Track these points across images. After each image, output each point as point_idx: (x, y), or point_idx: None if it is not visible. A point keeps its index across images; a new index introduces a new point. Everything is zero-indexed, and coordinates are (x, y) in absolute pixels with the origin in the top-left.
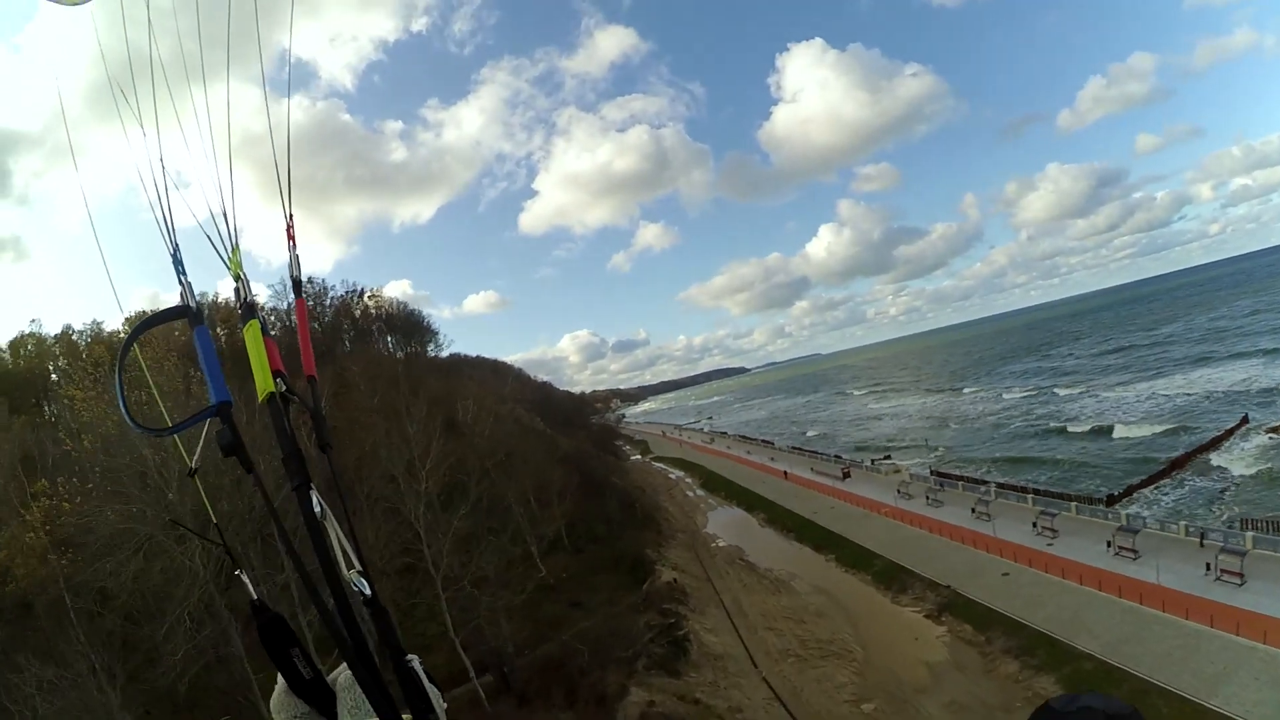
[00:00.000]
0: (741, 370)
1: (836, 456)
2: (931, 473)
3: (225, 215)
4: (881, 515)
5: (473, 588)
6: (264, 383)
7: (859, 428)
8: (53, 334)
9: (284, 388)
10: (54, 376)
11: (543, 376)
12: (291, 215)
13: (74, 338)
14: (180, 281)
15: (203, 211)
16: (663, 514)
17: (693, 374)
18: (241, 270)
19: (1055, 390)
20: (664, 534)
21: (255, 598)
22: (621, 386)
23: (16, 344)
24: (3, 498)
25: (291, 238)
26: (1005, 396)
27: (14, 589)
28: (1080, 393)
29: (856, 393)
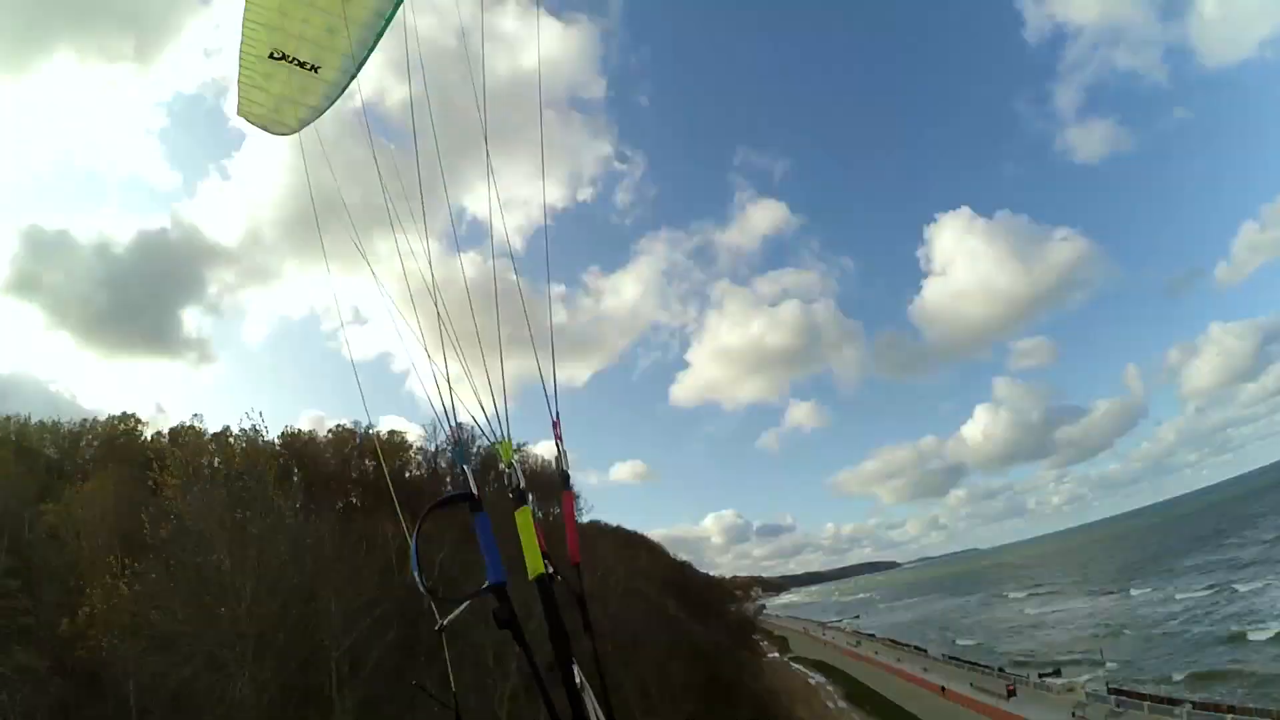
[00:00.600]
0: (892, 565)
1: (1000, 671)
2: (1110, 691)
3: (496, 409)
4: None
5: None
6: (534, 564)
7: (1019, 637)
8: (211, 431)
9: (551, 570)
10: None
11: (683, 556)
12: (558, 414)
13: (230, 439)
14: (463, 471)
15: (464, 397)
16: None
17: (840, 566)
18: (514, 459)
19: (1235, 586)
20: None
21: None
22: (764, 574)
23: (176, 432)
24: (100, 562)
25: (558, 435)
26: (1180, 596)
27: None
28: (1264, 586)
29: (1016, 595)
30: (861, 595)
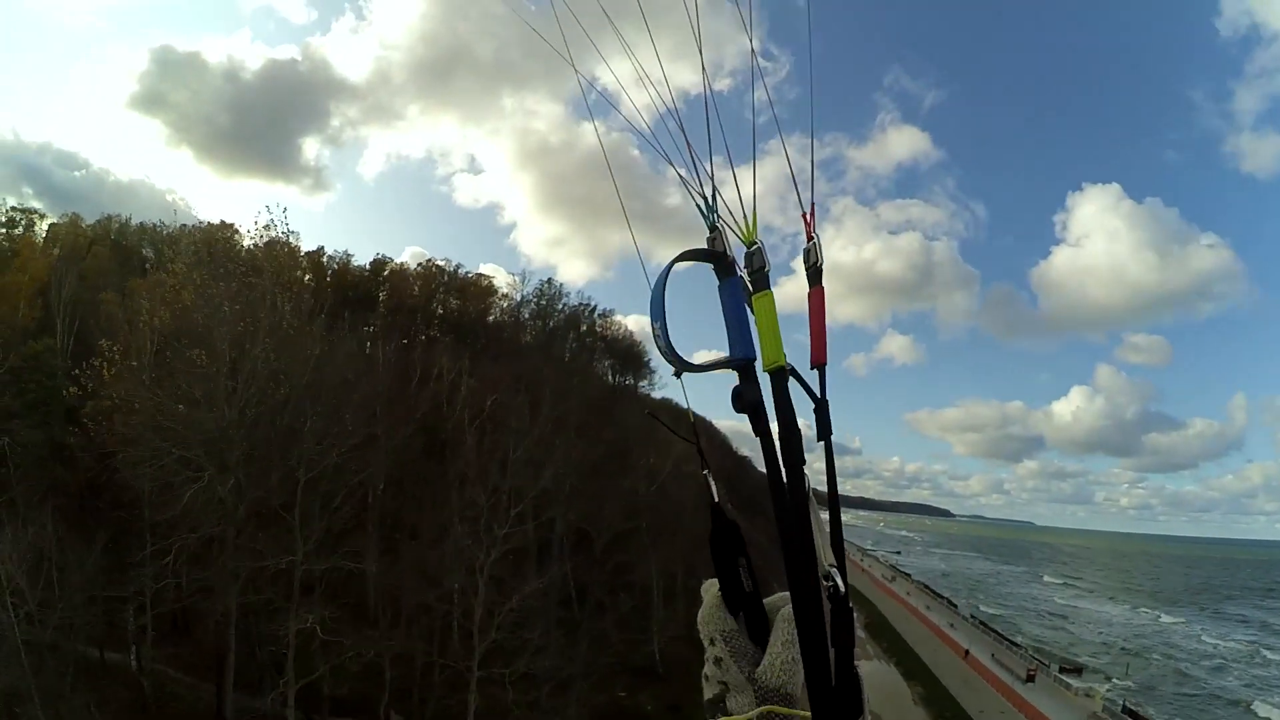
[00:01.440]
0: (946, 513)
1: (1032, 652)
2: (1124, 709)
3: (738, 186)
4: None
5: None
6: (773, 354)
7: (1047, 622)
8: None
9: (790, 365)
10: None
11: (745, 452)
12: (814, 204)
13: (323, 259)
14: (713, 228)
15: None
16: None
17: (895, 500)
18: (758, 238)
19: (1267, 650)
20: None
21: (716, 499)
22: (818, 488)
23: (272, 243)
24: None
25: (810, 230)
26: (1210, 640)
27: None
28: None
29: (1055, 580)
30: (909, 533)
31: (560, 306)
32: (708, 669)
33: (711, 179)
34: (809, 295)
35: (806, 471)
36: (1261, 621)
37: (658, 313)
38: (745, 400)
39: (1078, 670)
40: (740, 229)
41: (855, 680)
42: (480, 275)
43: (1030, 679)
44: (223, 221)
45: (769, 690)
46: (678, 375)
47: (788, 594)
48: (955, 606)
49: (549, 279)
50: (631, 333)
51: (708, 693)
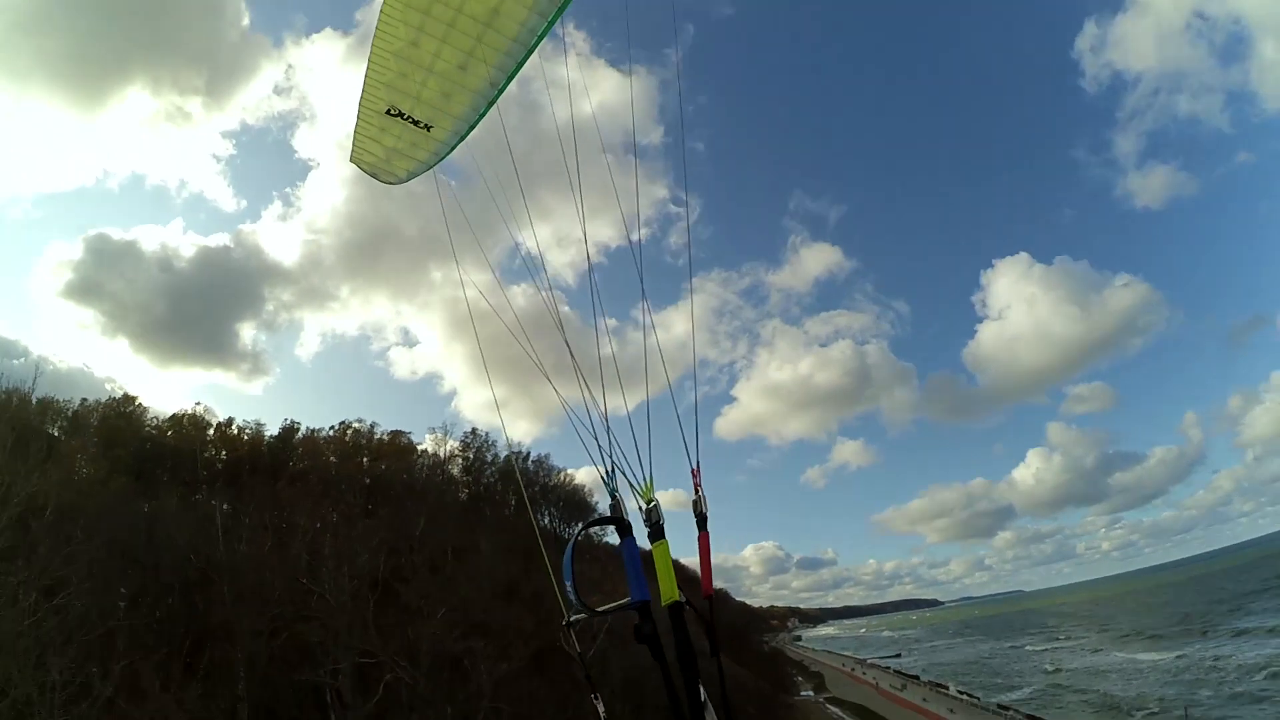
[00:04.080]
0: (934, 603)
1: None
2: None
3: (639, 454)
4: None
5: None
6: (669, 592)
7: (1084, 687)
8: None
9: (685, 599)
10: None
11: (720, 584)
12: (699, 463)
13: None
14: (614, 498)
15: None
16: None
17: (880, 601)
18: (653, 496)
19: None
20: None
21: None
22: (802, 605)
23: (177, 419)
24: None
25: (698, 484)
26: (1258, 650)
27: None
28: None
29: (1071, 640)
30: (904, 632)
31: (489, 459)
32: None
33: (611, 456)
34: (698, 539)
35: (701, 686)
36: (1262, 627)
37: (567, 573)
38: (642, 633)
39: None
40: (640, 488)
41: None
42: (398, 433)
43: None
44: (125, 395)
45: None
46: (574, 624)
47: None
48: (978, 699)
49: (473, 429)
50: (579, 485)
51: None
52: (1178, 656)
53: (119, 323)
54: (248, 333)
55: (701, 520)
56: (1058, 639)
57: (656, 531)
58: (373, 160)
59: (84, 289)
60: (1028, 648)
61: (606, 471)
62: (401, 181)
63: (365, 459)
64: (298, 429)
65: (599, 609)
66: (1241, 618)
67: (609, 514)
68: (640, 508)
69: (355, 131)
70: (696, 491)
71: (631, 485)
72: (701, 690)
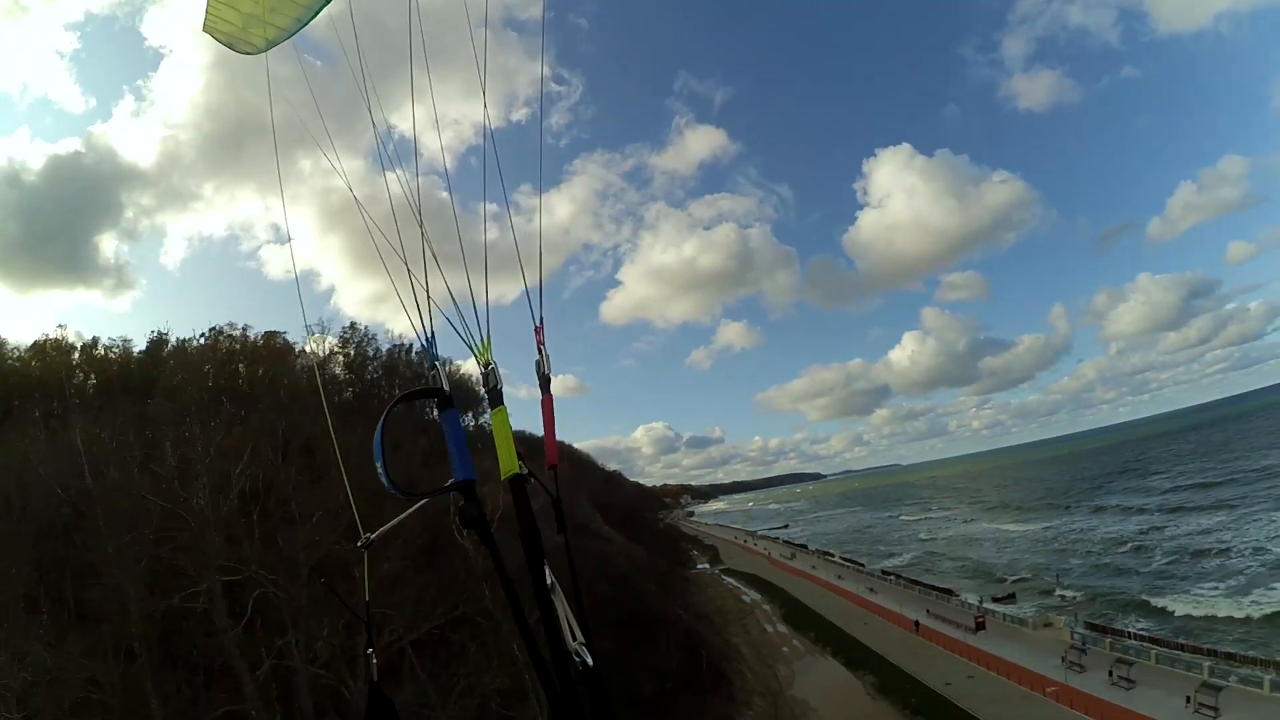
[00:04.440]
0: (817, 476)
1: (972, 603)
2: (1089, 627)
3: (475, 312)
4: (1051, 700)
5: None
6: (509, 464)
7: (959, 555)
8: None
9: (526, 470)
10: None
11: (613, 465)
12: (542, 320)
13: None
14: (434, 365)
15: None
16: (735, 662)
17: (767, 475)
18: (491, 359)
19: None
20: (736, 698)
21: (375, 679)
22: (693, 483)
23: (40, 345)
24: None
25: (540, 339)
26: (1111, 526)
27: None
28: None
29: (945, 511)
30: (791, 504)
31: (372, 354)
32: None
33: (430, 318)
34: (541, 403)
35: (546, 567)
36: (1147, 487)
37: (378, 453)
38: (466, 517)
39: (1010, 597)
40: (476, 348)
41: None
42: (272, 334)
43: (980, 627)
44: None
45: None
46: (363, 547)
47: None
48: (863, 566)
49: (352, 323)
50: (466, 375)
51: None
52: (1044, 528)
53: None
54: (108, 245)
55: (544, 382)
56: (931, 510)
57: (495, 397)
58: (229, 29)
59: None
60: (904, 518)
61: (425, 334)
62: (260, 51)
63: (241, 365)
64: (166, 341)
65: (418, 493)
66: (1102, 496)
67: (427, 385)
68: (479, 371)
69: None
70: (540, 350)
71: (468, 345)
72: (548, 572)
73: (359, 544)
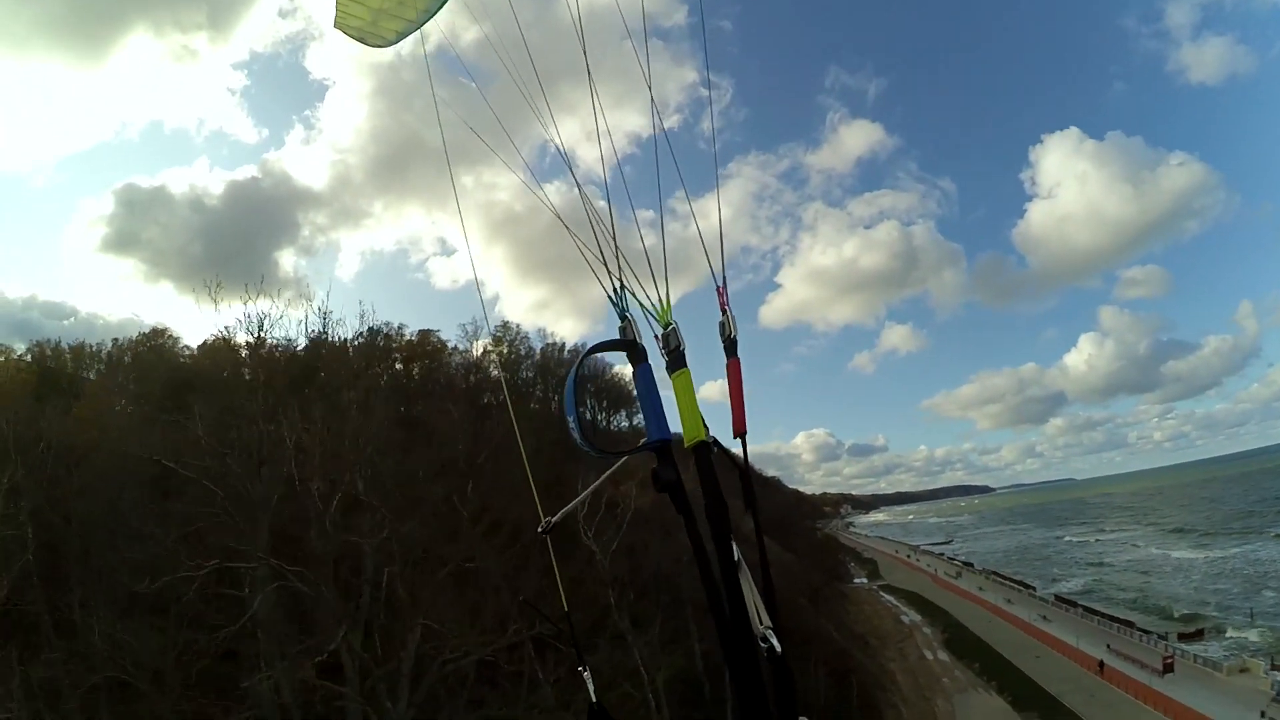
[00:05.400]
0: (985, 489)
1: (1159, 637)
2: None
3: (651, 271)
4: None
5: None
6: (694, 430)
7: (1137, 580)
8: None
9: (713, 439)
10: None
11: (772, 472)
12: (725, 279)
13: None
14: (624, 317)
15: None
16: (889, 693)
17: (931, 487)
18: (672, 320)
19: None
20: None
21: (595, 701)
22: (854, 492)
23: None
24: None
25: (724, 304)
26: None
27: None
28: None
29: (1122, 532)
30: (956, 518)
31: (524, 352)
32: None
33: (620, 271)
34: (727, 367)
35: (734, 542)
36: None
37: (570, 406)
38: (662, 481)
39: (1199, 634)
40: (657, 311)
41: None
42: (427, 333)
43: (1168, 669)
44: (154, 329)
45: None
46: (544, 533)
47: None
48: (1034, 590)
49: (504, 322)
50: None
51: None
52: (1231, 554)
53: (160, 268)
54: (287, 260)
55: (730, 345)
56: (1106, 530)
57: (676, 360)
58: (359, 24)
59: (120, 240)
60: (1075, 539)
61: (614, 287)
62: (390, 44)
63: (396, 362)
64: (326, 339)
65: (611, 451)
66: None
67: (620, 338)
68: (656, 335)
69: None
70: (724, 312)
71: (644, 308)
72: (735, 547)
73: (539, 529)
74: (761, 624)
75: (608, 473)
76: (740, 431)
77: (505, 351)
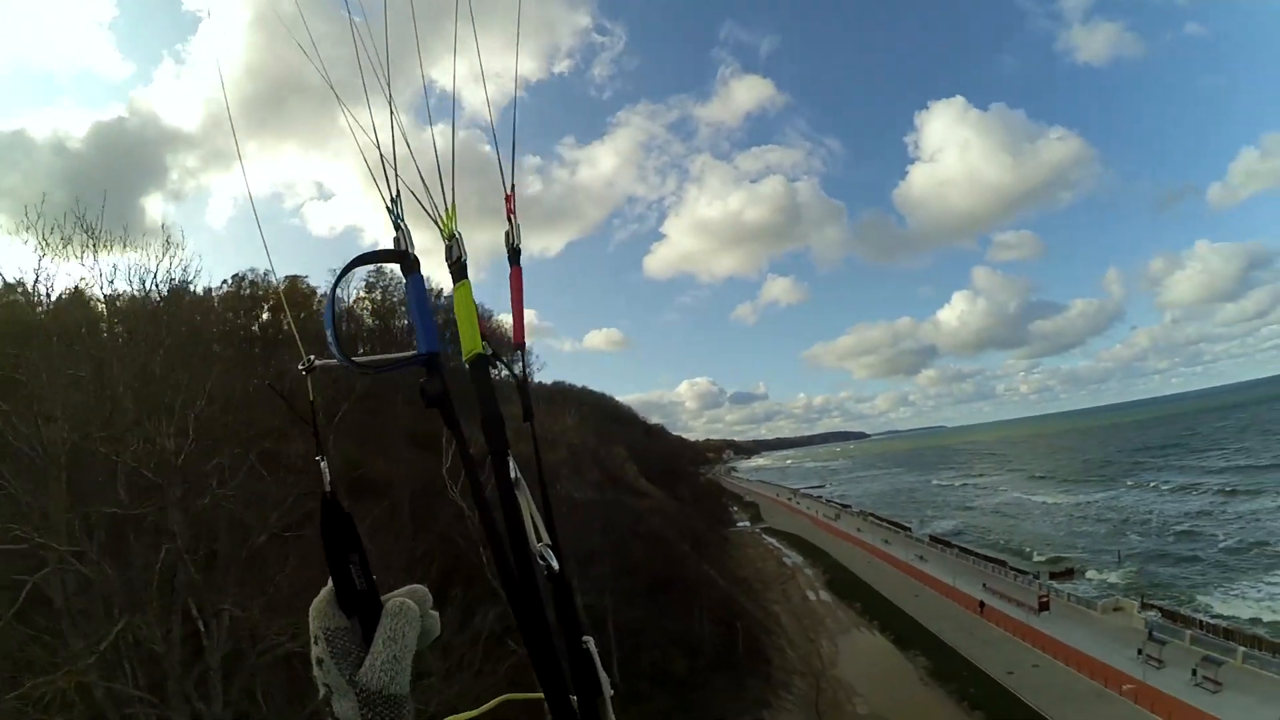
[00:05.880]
0: (861, 435)
1: (1033, 576)
2: (1161, 613)
3: (440, 175)
4: (1129, 700)
5: None
6: (471, 343)
7: (1006, 523)
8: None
9: (490, 351)
10: None
11: (656, 419)
12: (514, 186)
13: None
14: (397, 226)
15: (408, 176)
16: (775, 636)
17: (810, 433)
18: (456, 230)
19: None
20: (775, 679)
21: (329, 489)
22: (736, 438)
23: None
24: None
25: (511, 207)
26: (1169, 506)
27: None
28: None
29: (992, 477)
30: (833, 463)
31: (398, 299)
32: (314, 669)
33: (395, 177)
34: (510, 276)
35: (511, 458)
36: (1201, 466)
37: (328, 318)
38: (429, 394)
39: (1069, 573)
40: (441, 218)
41: (587, 657)
42: (296, 278)
43: (1044, 608)
44: (5, 284)
45: (370, 693)
46: (312, 368)
47: (409, 588)
48: (909, 530)
49: (378, 267)
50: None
51: (320, 693)
52: (1094, 500)
53: (20, 219)
54: (154, 206)
55: (514, 254)
56: (976, 475)
57: (458, 271)
58: None
59: None
60: (946, 483)
61: (390, 195)
62: None
63: (263, 312)
64: (186, 290)
65: (371, 361)
66: (1154, 471)
67: (391, 248)
68: (445, 243)
69: None
70: (510, 220)
71: (428, 213)
72: (512, 464)
73: (301, 366)
74: (540, 541)
75: (382, 359)
76: (519, 342)
77: (380, 298)
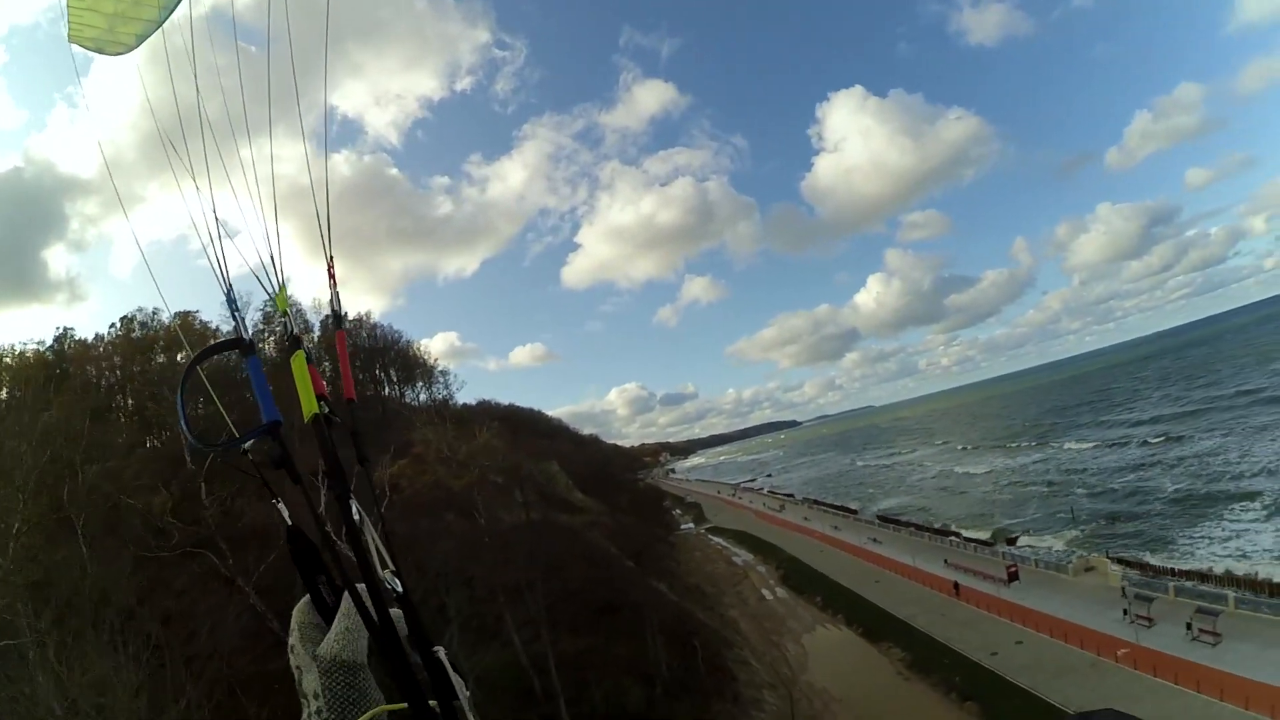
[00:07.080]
0: (793, 424)
1: (986, 544)
2: (1141, 569)
3: (273, 260)
4: (1127, 666)
5: None
6: (309, 405)
7: (948, 495)
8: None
9: (327, 409)
10: None
11: (589, 429)
12: (332, 256)
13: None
14: (234, 316)
15: (253, 257)
16: (737, 648)
17: (743, 427)
18: (288, 306)
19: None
20: (743, 697)
21: (290, 523)
22: (670, 440)
23: None
24: None
25: (332, 275)
26: (1105, 458)
27: None
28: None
29: (926, 450)
30: (768, 454)
31: (303, 327)
32: (289, 657)
33: (228, 279)
34: (336, 337)
35: (353, 499)
36: (1133, 419)
37: (181, 410)
38: (273, 458)
39: (1014, 539)
40: (274, 294)
41: (438, 664)
42: (187, 314)
43: (1014, 577)
44: None
45: (328, 662)
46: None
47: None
48: (856, 512)
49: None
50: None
51: (296, 679)
52: (1033, 461)
53: None
54: (57, 258)
55: (337, 319)
56: (909, 450)
57: (294, 343)
58: (95, 34)
59: None
60: (882, 461)
61: (225, 286)
62: (131, 49)
63: (159, 353)
64: (68, 338)
65: (220, 442)
66: (1084, 427)
67: (229, 339)
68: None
69: (68, 4)
70: (332, 288)
71: (267, 291)
72: (354, 505)
73: (244, 449)
74: (385, 568)
75: (233, 439)
76: (350, 396)
77: (278, 331)
